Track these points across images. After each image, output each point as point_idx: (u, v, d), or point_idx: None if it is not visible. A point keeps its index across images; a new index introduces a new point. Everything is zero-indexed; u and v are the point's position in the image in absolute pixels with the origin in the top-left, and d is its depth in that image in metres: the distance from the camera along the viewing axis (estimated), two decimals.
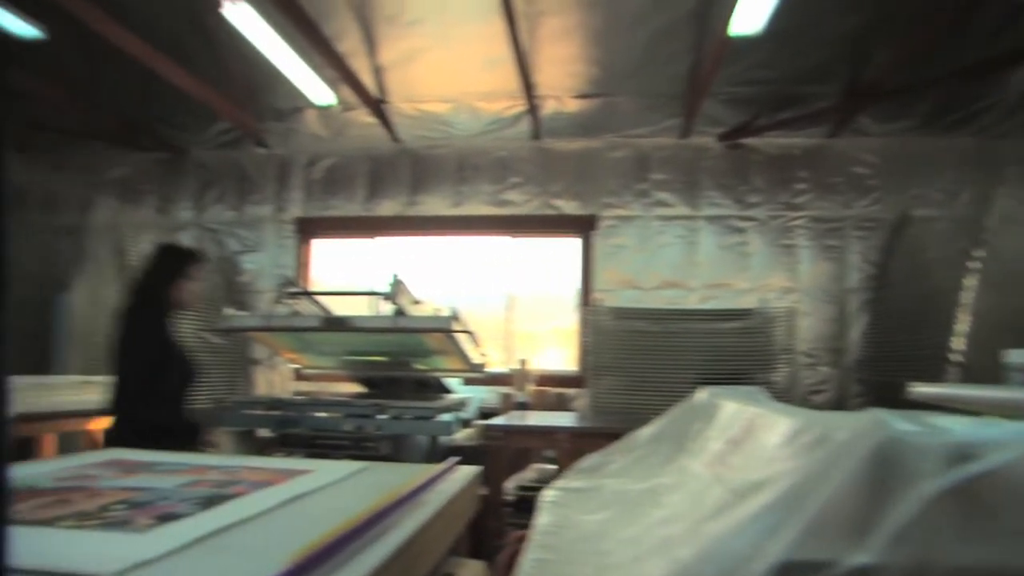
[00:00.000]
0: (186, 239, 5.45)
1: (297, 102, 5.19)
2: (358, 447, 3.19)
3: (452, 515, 1.26)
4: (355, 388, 4.02)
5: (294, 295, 3.26)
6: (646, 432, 1.37)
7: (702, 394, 1.34)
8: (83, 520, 1.05)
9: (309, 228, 5.51)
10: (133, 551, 0.84)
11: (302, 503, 1.22)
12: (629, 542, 0.87)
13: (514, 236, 5.47)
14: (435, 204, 5.42)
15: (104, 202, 4.77)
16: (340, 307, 4.21)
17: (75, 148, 5.82)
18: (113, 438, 2.59)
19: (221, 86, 4.89)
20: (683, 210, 5.15)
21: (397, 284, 3.19)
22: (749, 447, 0.88)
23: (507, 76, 4.73)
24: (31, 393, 3.43)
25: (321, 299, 3.63)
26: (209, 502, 1.19)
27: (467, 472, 1.54)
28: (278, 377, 5.44)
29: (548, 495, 1.13)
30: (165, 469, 1.69)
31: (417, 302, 3.52)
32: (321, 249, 5.62)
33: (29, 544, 0.86)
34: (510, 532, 1.86)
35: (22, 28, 3.48)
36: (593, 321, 3.87)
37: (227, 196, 5.60)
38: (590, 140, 5.28)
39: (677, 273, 5.11)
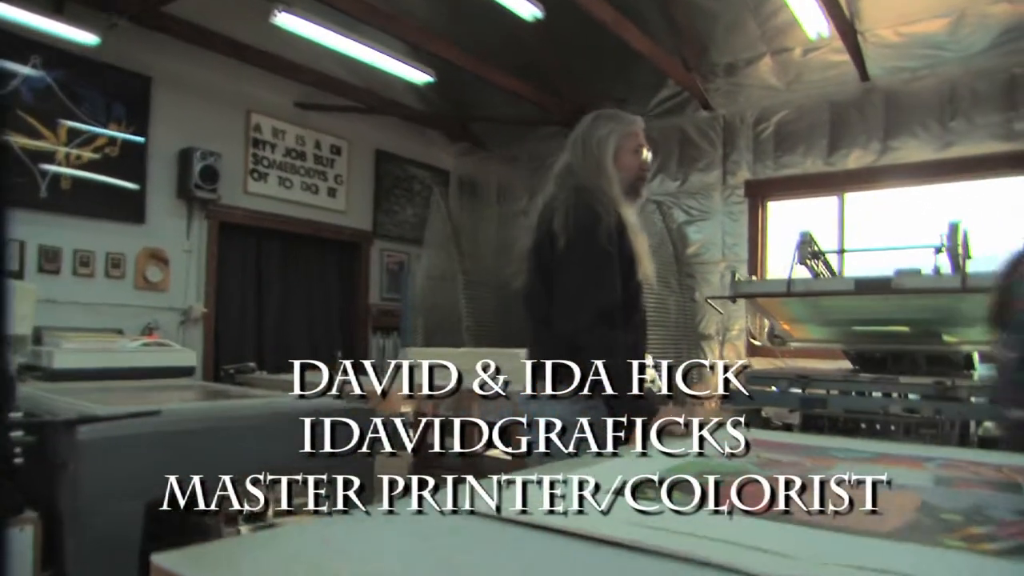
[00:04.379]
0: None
1: (752, 51, 4.74)
2: (909, 433, 2.64)
3: None
4: (816, 364, 3.46)
5: (815, 255, 2.81)
6: None
7: None
8: (974, 543, 0.72)
9: (761, 191, 5.04)
10: None
11: None
12: None
13: None
14: (915, 149, 4.50)
15: None
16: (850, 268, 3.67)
17: (526, 139, 6.24)
18: None
19: (673, 49, 4.72)
20: None
21: (958, 234, 2.53)
22: None
23: None
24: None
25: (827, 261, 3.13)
26: None
27: None
28: (732, 351, 5.11)
29: None
30: (847, 456, 1.38)
31: (968, 257, 2.79)
32: (777, 213, 5.11)
33: None
34: None
35: (525, 9, 3.63)
36: None
37: (670, 166, 5.43)
38: None
39: None
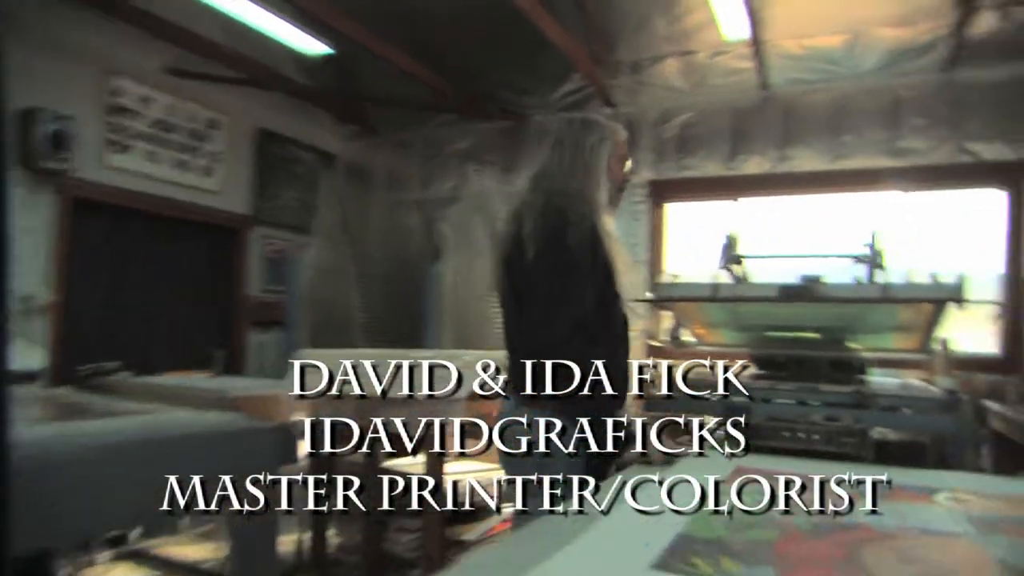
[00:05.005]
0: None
1: (658, 51, 4.71)
2: (831, 441, 2.63)
3: None
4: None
5: (738, 259, 2.75)
6: None
7: None
8: None
9: (662, 191, 5.04)
10: None
11: None
12: None
13: (911, 192, 4.51)
14: (808, 159, 4.65)
15: (473, 173, 4.76)
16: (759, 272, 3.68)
17: (419, 125, 5.92)
18: None
19: (583, 41, 4.59)
20: None
21: (878, 243, 2.54)
22: None
23: None
24: None
25: (743, 265, 3.10)
26: None
27: None
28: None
29: None
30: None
31: (883, 267, 2.83)
32: (675, 214, 5.13)
33: None
34: None
35: None
36: None
37: None
38: None
39: None
